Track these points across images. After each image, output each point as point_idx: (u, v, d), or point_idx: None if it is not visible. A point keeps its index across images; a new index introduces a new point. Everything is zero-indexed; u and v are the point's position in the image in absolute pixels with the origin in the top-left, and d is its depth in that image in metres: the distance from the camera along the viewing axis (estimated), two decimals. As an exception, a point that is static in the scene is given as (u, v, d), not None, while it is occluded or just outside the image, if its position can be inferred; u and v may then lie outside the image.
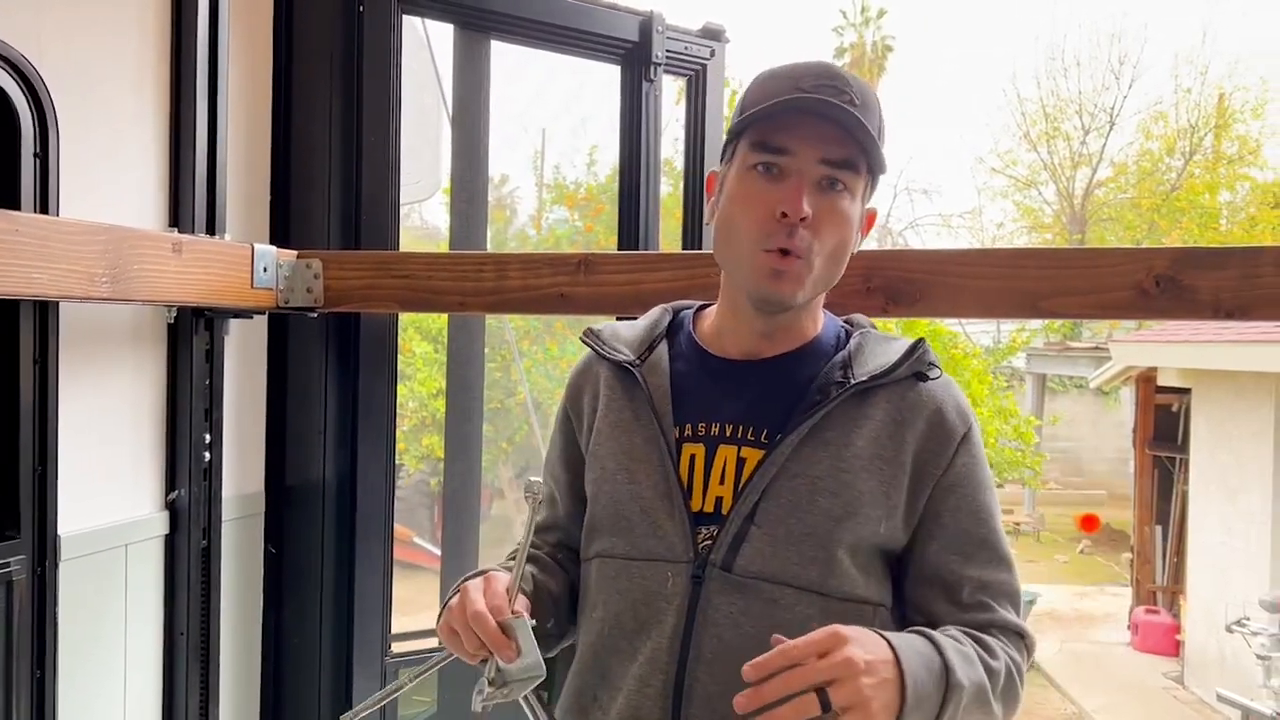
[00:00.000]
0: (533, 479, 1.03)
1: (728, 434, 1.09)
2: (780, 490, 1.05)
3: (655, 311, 1.23)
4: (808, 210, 1.01)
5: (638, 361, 1.15)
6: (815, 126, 1.02)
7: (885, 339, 1.14)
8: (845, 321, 1.19)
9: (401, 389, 8.12)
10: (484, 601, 1.00)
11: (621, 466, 1.12)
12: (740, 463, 1.07)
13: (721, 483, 1.07)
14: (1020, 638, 1.09)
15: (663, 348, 1.17)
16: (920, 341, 1.11)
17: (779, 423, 1.07)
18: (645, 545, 1.08)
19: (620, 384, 1.16)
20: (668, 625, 1.05)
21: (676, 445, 1.10)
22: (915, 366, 1.09)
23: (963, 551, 1.08)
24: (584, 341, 1.22)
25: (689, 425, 1.11)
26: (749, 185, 1.05)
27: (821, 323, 1.15)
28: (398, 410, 2.02)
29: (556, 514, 1.27)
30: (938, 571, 1.08)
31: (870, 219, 1.13)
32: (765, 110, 1.03)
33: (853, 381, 1.07)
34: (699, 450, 1.09)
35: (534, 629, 1.00)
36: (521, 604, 1.02)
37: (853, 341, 1.13)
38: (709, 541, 1.06)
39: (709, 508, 1.07)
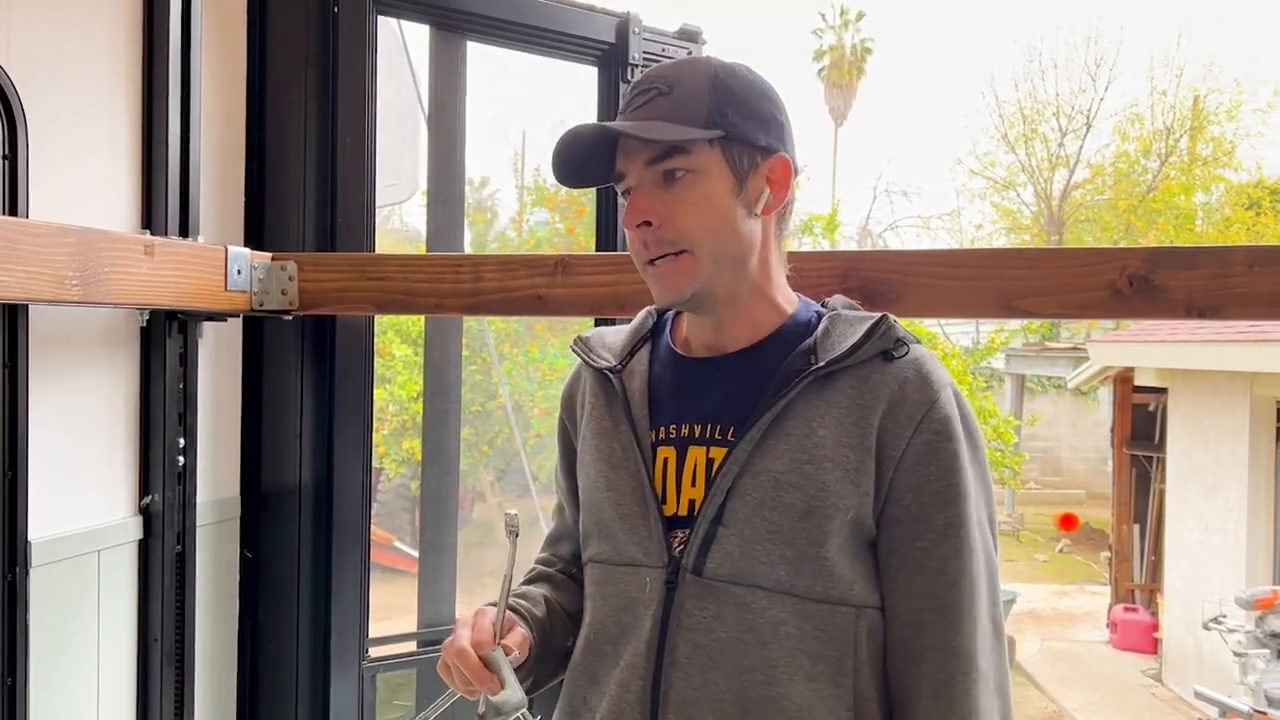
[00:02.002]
0: (509, 512, 1.06)
1: (697, 434, 1.08)
2: (745, 488, 1.02)
3: (640, 315, 1.23)
4: (644, 216, 1.04)
5: (618, 367, 1.15)
6: (626, 138, 1.04)
7: (854, 320, 1.08)
8: (823, 304, 1.14)
9: (382, 392, 8.09)
10: (469, 637, 1.04)
11: (601, 474, 1.13)
12: (709, 463, 1.06)
13: (693, 485, 1.06)
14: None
15: (644, 351, 1.17)
16: (883, 318, 1.05)
17: (744, 418, 1.05)
18: (626, 551, 1.09)
19: (602, 390, 1.17)
20: (645, 630, 1.05)
21: (652, 449, 1.09)
22: (880, 345, 1.04)
23: (914, 541, 1.01)
24: (574, 351, 1.22)
25: (663, 428, 1.10)
26: (624, 212, 1.08)
27: (793, 309, 1.11)
28: (377, 414, 2.01)
29: (566, 523, 1.28)
30: (887, 563, 1.02)
31: (783, 169, 1.06)
32: (555, 164, 1.07)
33: (812, 368, 1.03)
34: (671, 453, 1.08)
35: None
36: (515, 639, 1.06)
37: (821, 325, 1.08)
38: (682, 545, 1.05)
39: (683, 511, 1.06)
